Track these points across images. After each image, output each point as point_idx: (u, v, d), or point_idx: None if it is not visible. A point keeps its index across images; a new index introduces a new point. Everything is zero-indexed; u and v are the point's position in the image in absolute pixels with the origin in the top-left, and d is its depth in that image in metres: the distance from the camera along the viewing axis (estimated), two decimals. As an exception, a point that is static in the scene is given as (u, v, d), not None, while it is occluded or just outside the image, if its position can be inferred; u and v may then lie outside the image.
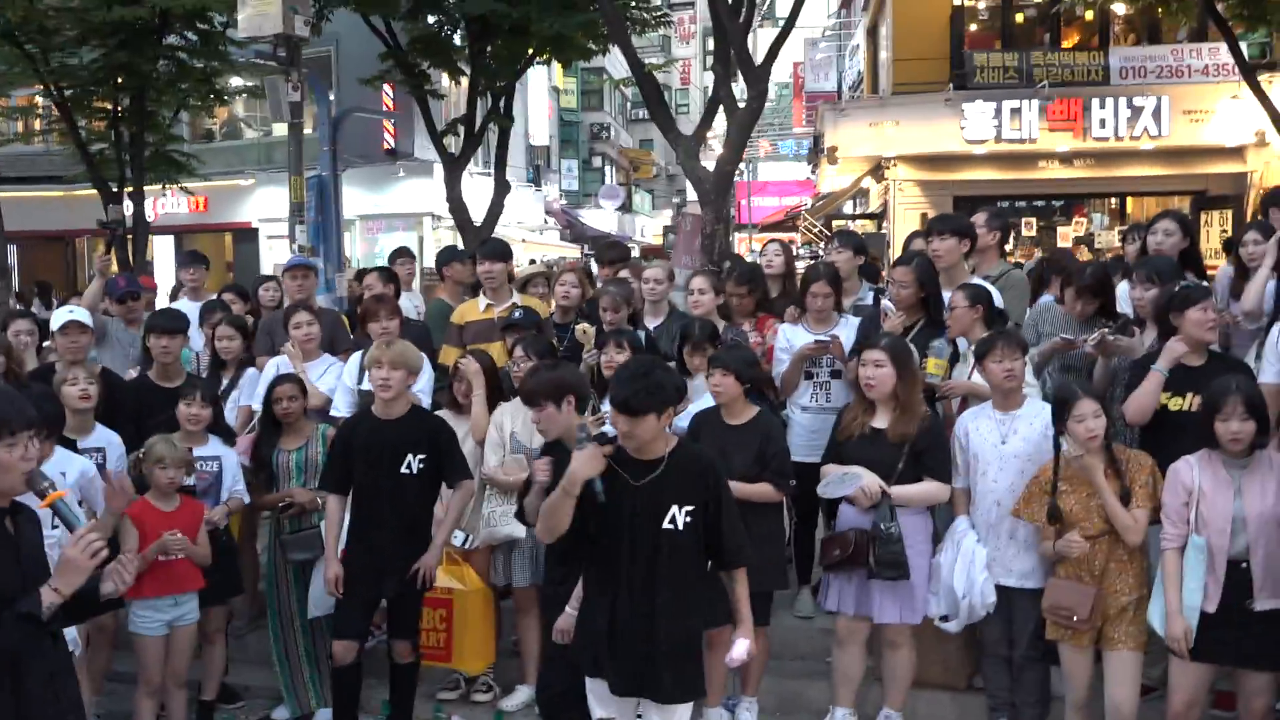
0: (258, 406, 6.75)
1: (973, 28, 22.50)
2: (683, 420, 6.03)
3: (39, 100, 22.00)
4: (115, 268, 17.20)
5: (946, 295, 6.42)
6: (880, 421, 5.60)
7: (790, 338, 6.72)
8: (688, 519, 4.35)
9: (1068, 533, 5.09)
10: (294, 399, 6.41)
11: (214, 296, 8.73)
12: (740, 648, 4.46)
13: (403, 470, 5.66)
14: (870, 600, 5.60)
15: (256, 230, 25.87)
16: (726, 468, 5.51)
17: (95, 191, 18.14)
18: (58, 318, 6.81)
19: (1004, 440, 5.51)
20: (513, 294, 7.70)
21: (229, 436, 6.48)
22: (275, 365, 7.07)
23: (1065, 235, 22.06)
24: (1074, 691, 5.22)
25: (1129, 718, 5.03)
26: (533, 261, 17.58)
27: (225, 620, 6.47)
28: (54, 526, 4.00)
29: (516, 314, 7.15)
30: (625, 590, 4.39)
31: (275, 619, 6.52)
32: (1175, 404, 5.40)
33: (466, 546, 6.39)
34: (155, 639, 5.70)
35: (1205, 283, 6.38)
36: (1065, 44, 21.94)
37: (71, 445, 5.65)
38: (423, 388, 6.72)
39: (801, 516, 6.71)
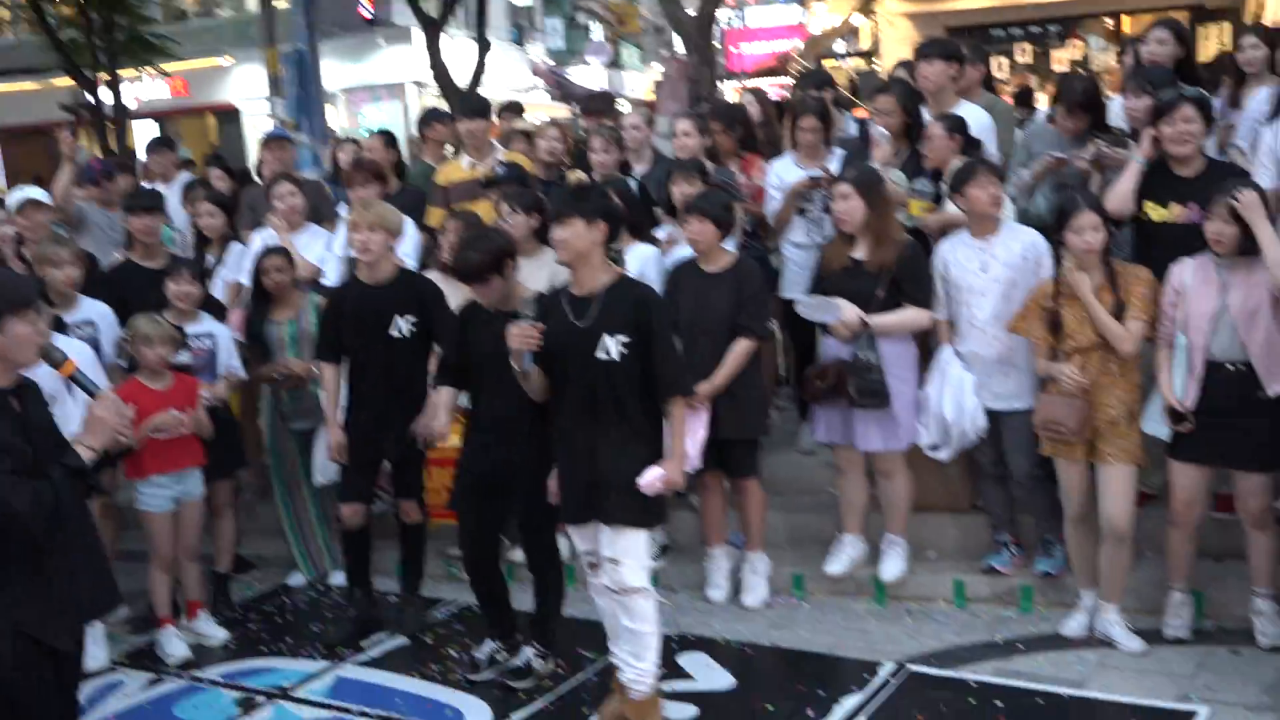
0: (246, 281, 6.70)
1: None
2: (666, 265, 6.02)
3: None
4: (98, 152, 17.01)
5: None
6: (859, 253, 5.57)
7: (781, 175, 6.61)
8: (623, 349, 4.40)
9: (1062, 353, 5.06)
10: (282, 270, 6.36)
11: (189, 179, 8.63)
12: (651, 474, 4.43)
13: (392, 333, 5.62)
14: (854, 430, 5.63)
15: (239, 111, 25.47)
16: (706, 316, 5.55)
17: (73, 81, 17.83)
18: (13, 200, 6.77)
19: (984, 268, 5.44)
20: (496, 150, 7.56)
21: (220, 313, 6.45)
22: (260, 238, 6.99)
23: (1060, 59, 21.55)
24: (1071, 504, 5.23)
25: (1122, 530, 5.03)
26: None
27: (232, 494, 6.52)
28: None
29: (499, 170, 7.03)
30: (572, 422, 4.50)
31: (282, 488, 6.60)
32: (1159, 215, 5.32)
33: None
34: (163, 515, 5.75)
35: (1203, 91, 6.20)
36: None
37: (59, 322, 5.64)
38: (408, 251, 6.66)
39: (800, 355, 6.70)
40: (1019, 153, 6.42)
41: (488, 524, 5.22)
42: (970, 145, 5.97)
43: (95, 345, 5.82)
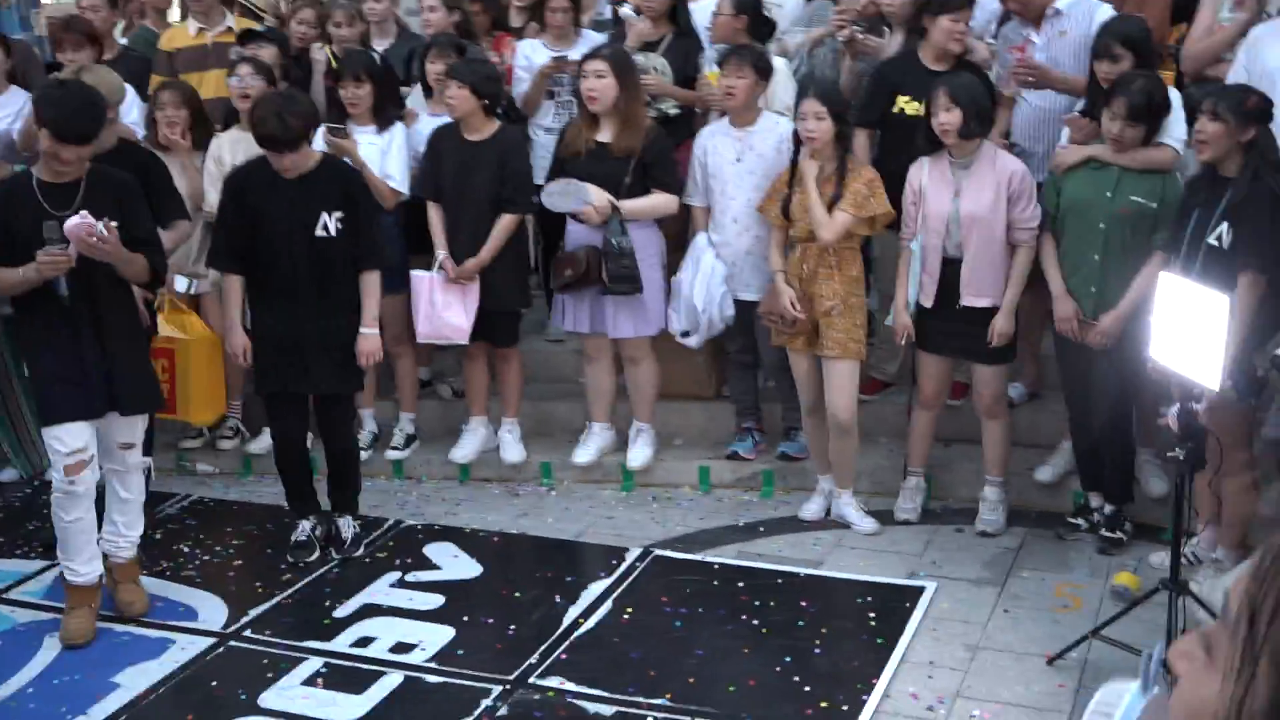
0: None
1: None
2: (421, 135, 5.80)
3: None
4: None
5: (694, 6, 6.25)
6: (604, 135, 5.48)
7: (530, 56, 6.41)
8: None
9: (795, 241, 5.13)
10: (-18, 141, 5.79)
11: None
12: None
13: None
14: (604, 317, 5.60)
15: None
16: (469, 186, 5.41)
17: None
18: None
19: (739, 158, 5.45)
20: (225, 16, 7.03)
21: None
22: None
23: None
24: (802, 394, 5.34)
25: (844, 422, 5.14)
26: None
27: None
28: None
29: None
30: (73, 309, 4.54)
31: (-9, 379, 6.08)
32: (912, 108, 5.41)
33: (191, 292, 6.03)
34: None
35: None
36: None
37: None
38: (136, 119, 6.15)
39: (548, 241, 6.59)
40: (796, 26, 6.38)
41: (302, 400, 5.22)
42: (760, 26, 5.87)
43: None
